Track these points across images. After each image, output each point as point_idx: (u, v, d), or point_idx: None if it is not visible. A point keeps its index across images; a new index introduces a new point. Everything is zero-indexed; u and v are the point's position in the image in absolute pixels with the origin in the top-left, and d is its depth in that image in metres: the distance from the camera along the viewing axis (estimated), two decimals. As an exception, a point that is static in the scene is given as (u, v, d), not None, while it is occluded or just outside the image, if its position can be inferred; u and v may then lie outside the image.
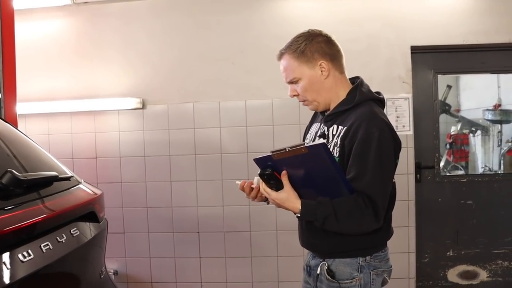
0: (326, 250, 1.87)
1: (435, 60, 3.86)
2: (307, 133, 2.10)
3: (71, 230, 1.70)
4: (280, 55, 1.91)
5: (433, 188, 3.88)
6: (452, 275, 3.91)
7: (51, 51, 3.96)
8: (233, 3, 3.79)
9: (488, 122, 4.08)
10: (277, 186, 1.74)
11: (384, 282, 1.93)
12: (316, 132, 1.97)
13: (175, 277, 3.87)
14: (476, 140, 4.15)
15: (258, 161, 1.73)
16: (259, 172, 1.74)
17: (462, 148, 4.11)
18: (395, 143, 1.78)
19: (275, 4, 3.80)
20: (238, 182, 1.95)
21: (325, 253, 1.87)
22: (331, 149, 1.78)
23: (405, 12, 3.71)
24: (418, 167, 3.81)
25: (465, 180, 3.92)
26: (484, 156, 4.14)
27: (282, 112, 3.76)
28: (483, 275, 3.89)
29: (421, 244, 3.85)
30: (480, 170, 4.13)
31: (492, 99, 4.01)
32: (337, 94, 1.89)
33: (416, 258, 3.77)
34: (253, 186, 1.90)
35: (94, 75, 3.91)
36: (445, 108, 4.01)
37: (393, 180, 1.85)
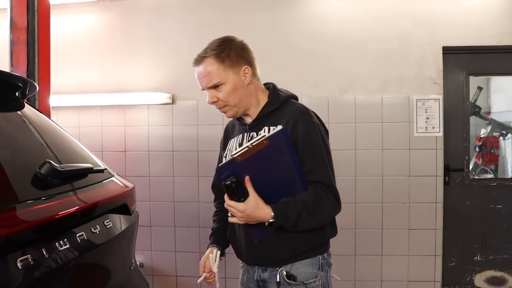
0: (284, 256, 1.84)
1: (467, 61, 3.80)
2: (224, 152, 2.05)
3: (105, 222, 1.73)
4: (201, 59, 1.86)
5: (461, 191, 3.83)
6: (479, 280, 3.86)
7: (84, 45, 4.03)
8: (264, 0, 3.79)
9: (520, 126, 4.01)
10: (240, 196, 1.64)
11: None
12: (240, 144, 1.93)
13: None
14: (506, 144, 4.08)
15: (221, 169, 1.63)
16: (224, 182, 1.62)
17: (492, 151, 4.05)
18: (326, 132, 1.93)
19: (306, 2, 3.79)
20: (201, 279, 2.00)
21: (283, 260, 1.85)
22: None
23: (438, 11, 3.66)
24: (447, 170, 3.77)
25: (495, 184, 3.86)
26: (514, 160, 4.07)
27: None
28: None
29: (448, 248, 3.80)
30: (510, 175, 4.06)
31: (524, 102, 3.95)
32: (257, 98, 1.92)
33: (443, 261, 3.73)
34: (214, 270, 1.95)
35: (125, 70, 3.96)
36: (475, 110, 3.95)
37: None
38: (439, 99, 3.65)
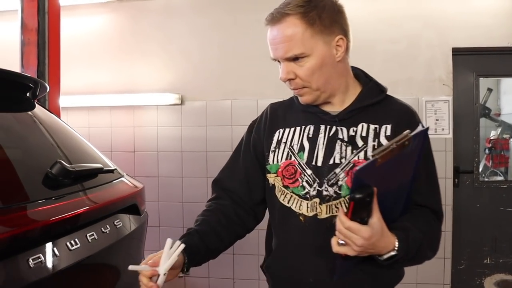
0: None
1: (477, 62, 3.78)
2: (271, 145, 1.47)
3: (115, 222, 1.74)
4: (280, 17, 1.31)
5: (471, 194, 3.81)
6: (489, 283, 3.83)
7: (94, 46, 4.05)
8: (273, 1, 3.79)
9: (531, 128, 3.98)
10: (365, 216, 1.15)
11: None
12: (312, 139, 1.40)
13: (208, 272, 3.91)
14: (517, 146, 4.06)
15: (360, 173, 1.10)
16: (355, 195, 1.10)
17: (502, 153, 4.03)
18: None
19: (315, 3, 3.79)
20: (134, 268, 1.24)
21: None
22: (369, 156, 1.32)
23: (447, 12, 3.64)
24: (457, 172, 3.75)
25: (505, 186, 3.83)
26: (525, 163, 4.04)
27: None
28: (521, 285, 3.81)
29: (458, 250, 3.78)
30: (521, 177, 4.04)
31: (535, 104, 3.92)
32: (347, 82, 1.43)
33: (452, 264, 3.70)
34: (161, 271, 1.22)
35: (134, 71, 3.97)
36: (485, 112, 3.94)
37: None
38: (448, 101, 3.63)
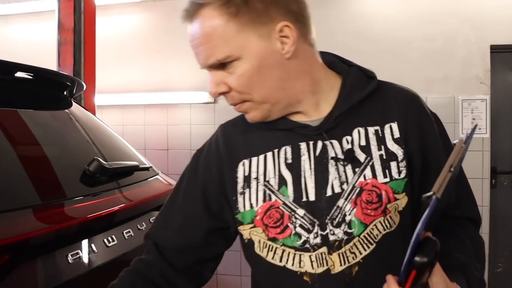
0: None
1: (516, 60, 3.69)
2: (239, 189, 1.05)
3: (151, 219, 1.75)
4: (195, 9, 0.95)
5: (509, 194, 3.71)
6: (527, 286, 3.74)
7: (128, 45, 4.10)
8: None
9: None
10: (427, 278, 0.79)
11: None
12: (316, 158, 1.00)
13: (240, 270, 3.91)
14: (557, 146, 3.93)
15: (422, 228, 0.73)
16: (417, 259, 0.73)
17: (541, 153, 3.91)
18: None
19: (351, 1, 3.75)
20: None
21: None
22: (381, 171, 0.99)
23: (485, 7, 3.55)
24: (494, 172, 3.65)
25: (545, 187, 3.73)
26: None
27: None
28: (562, 289, 3.70)
29: (495, 253, 3.69)
30: (561, 178, 3.91)
31: None
32: (316, 81, 1.02)
33: (489, 266, 3.62)
34: None
35: (168, 69, 4.00)
36: (525, 111, 3.83)
37: None
38: (486, 99, 3.54)
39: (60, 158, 1.68)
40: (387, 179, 0.98)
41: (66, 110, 1.93)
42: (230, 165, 1.05)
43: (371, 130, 1.01)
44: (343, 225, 0.96)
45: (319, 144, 1.00)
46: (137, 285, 1.04)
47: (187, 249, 1.08)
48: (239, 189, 1.04)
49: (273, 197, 1.00)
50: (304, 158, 1.00)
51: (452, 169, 0.75)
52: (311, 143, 1.00)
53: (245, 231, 1.03)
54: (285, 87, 0.97)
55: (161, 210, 1.14)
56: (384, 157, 0.99)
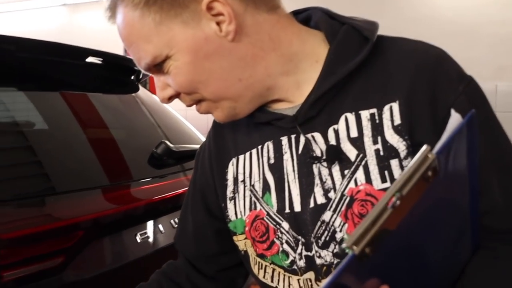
0: None
1: None
2: (235, 181, 0.86)
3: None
4: (113, 9, 0.77)
5: None
6: None
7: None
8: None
9: None
10: None
11: None
12: (298, 156, 0.77)
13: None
14: None
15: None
16: None
17: None
18: None
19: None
20: None
21: None
22: (377, 173, 0.71)
23: None
24: None
25: None
26: None
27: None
28: None
29: None
30: None
31: None
32: (288, 57, 0.76)
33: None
34: None
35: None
36: None
37: None
38: None
39: (128, 140, 1.73)
40: (386, 184, 0.70)
41: (133, 94, 1.97)
42: (219, 166, 0.87)
43: (364, 115, 0.73)
44: (331, 246, 0.74)
45: (302, 138, 0.76)
46: (164, 287, 0.95)
47: (207, 257, 0.94)
48: (229, 193, 0.86)
49: (258, 206, 0.81)
50: (286, 157, 0.78)
51: (396, 201, 0.47)
52: (293, 137, 0.77)
53: (240, 242, 0.85)
54: (241, 76, 0.74)
55: (180, 214, 1.00)
56: (382, 153, 0.71)
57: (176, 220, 1.45)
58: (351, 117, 0.73)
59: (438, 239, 0.63)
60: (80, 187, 1.33)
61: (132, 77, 1.98)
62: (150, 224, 1.36)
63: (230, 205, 0.85)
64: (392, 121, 0.71)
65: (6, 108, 1.52)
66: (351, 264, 0.45)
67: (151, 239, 1.33)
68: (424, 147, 0.50)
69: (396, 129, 0.71)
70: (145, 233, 1.30)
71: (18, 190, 1.21)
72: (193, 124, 2.38)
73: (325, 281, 0.46)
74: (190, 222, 0.95)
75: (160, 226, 1.38)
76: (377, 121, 0.72)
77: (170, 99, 0.79)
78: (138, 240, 1.27)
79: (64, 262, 1.12)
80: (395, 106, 0.71)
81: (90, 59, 1.62)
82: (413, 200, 0.50)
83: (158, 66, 0.75)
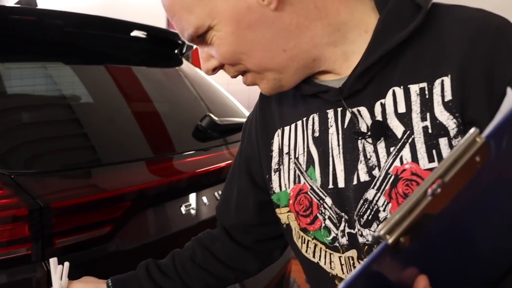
0: None
1: None
2: (274, 163, 0.86)
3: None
4: None
5: None
6: None
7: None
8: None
9: None
10: None
11: None
12: (344, 131, 0.75)
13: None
14: None
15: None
16: None
17: None
18: None
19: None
20: None
21: None
22: (425, 152, 0.67)
23: None
24: None
25: None
26: None
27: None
28: None
29: None
30: None
31: None
32: (335, 27, 0.73)
33: None
34: None
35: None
36: None
37: None
38: None
39: (171, 114, 1.74)
40: (434, 164, 0.66)
41: (177, 68, 1.98)
42: (265, 137, 0.87)
43: (414, 89, 0.69)
44: (374, 225, 0.71)
45: (347, 114, 0.74)
46: (197, 254, 0.96)
47: (246, 227, 0.95)
48: (274, 165, 0.85)
49: (302, 179, 0.80)
50: (332, 130, 0.76)
51: (437, 188, 0.43)
52: (339, 110, 0.75)
53: (283, 215, 0.85)
54: (285, 47, 0.72)
55: (225, 183, 1.01)
56: (430, 130, 0.67)
57: (220, 192, 1.47)
58: (399, 91, 0.70)
59: (489, 226, 0.59)
60: (125, 159, 1.35)
61: (176, 51, 1.98)
62: (193, 196, 1.37)
63: (274, 177, 0.85)
64: (443, 96, 0.67)
65: (53, 81, 1.55)
66: (384, 253, 0.43)
67: (195, 211, 1.34)
68: (472, 129, 0.46)
69: (447, 106, 0.67)
70: (189, 204, 1.32)
71: (66, 161, 1.25)
72: (234, 98, 2.38)
73: (354, 270, 0.43)
74: (234, 192, 0.95)
75: (204, 198, 1.39)
76: (427, 96, 0.68)
77: (214, 70, 0.78)
78: (183, 212, 1.29)
79: (112, 232, 1.15)
80: (447, 80, 0.67)
81: (134, 33, 1.62)
82: (457, 187, 0.46)
83: (201, 37, 0.74)
